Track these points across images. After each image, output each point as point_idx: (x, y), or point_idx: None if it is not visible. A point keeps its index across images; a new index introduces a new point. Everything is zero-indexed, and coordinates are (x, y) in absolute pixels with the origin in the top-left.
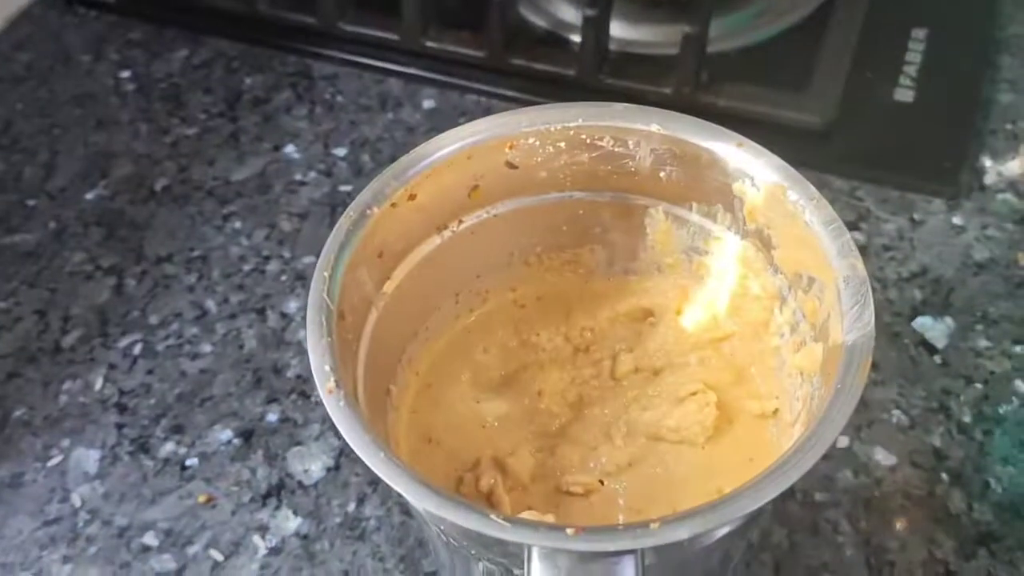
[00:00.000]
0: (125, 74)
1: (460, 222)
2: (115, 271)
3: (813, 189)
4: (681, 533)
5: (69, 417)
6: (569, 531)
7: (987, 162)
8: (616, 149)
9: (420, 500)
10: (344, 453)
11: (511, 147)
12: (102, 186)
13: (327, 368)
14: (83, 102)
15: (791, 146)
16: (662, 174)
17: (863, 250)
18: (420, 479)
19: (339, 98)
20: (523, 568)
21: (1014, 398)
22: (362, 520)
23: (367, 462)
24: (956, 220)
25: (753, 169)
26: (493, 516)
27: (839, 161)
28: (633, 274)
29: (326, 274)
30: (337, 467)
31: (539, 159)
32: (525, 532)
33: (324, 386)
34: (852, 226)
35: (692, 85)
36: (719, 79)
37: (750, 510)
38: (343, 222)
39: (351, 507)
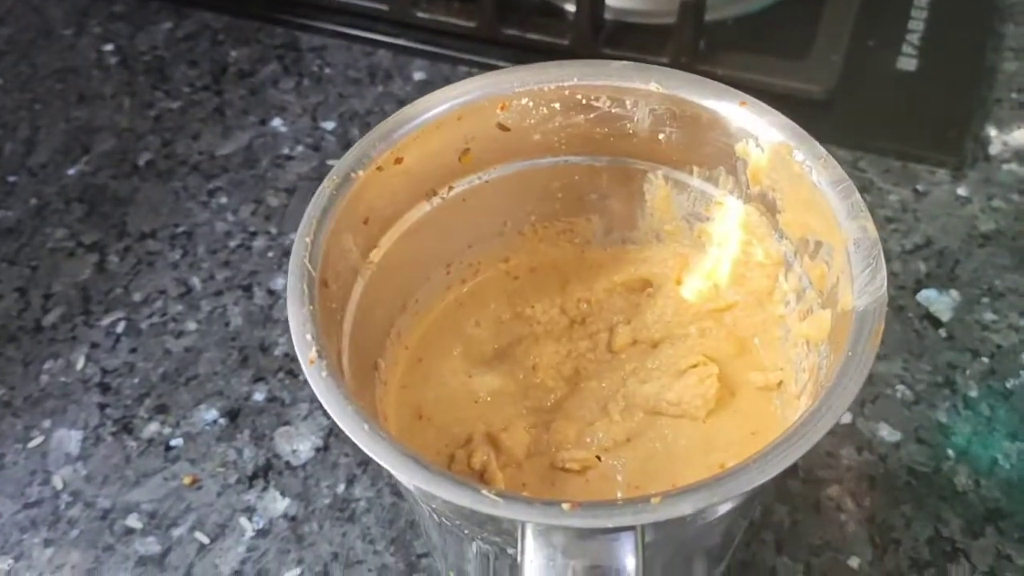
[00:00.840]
0: (108, 47)
1: (450, 188)
2: (97, 248)
3: (820, 148)
4: (683, 508)
5: (50, 397)
6: (565, 507)
7: (992, 132)
8: (613, 110)
9: (408, 475)
10: (333, 433)
11: (503, 108)
12: (84, 161)
13: (308, 337)
14: (65, 76)
15: (791, 116)
16: (661, 136)
17: None
18: (408, 453)
19: (327, 70)
20: (517, 547)
21: (1022, 372)
22: (351, 501)
23: (350, 435)
24: (961, 191)
25: (757, 128)
26: (485, 492)
27: (840, 131)
28: (631, 243)
29: (308, 240)
30: (326, 447)
31: (533, 121)
32: (519, 508)
33: (306, 356)
34: None
35: (690, 54)
36: (717, 48)
37: (756, 484)
38: (326, 185)
39: (340, 488)
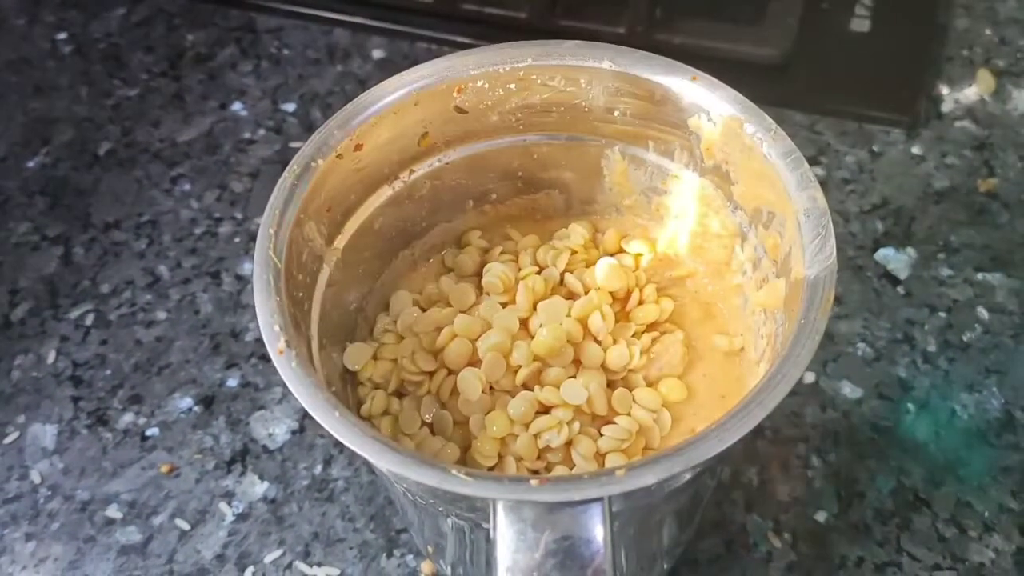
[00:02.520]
0: (62, 36)
1: (411, 172)
2: (62, 240)
3: (770, 120)
4: (647, 479)
5: (23, 393)
6: (533, 482)
7: (944, 90)
8: (568, 88)
9: (378, 459)
10: (308, 415)
11: (459, 91)
12: (44, 153)
13: (277, 328)
14: (19, 68)
15: (749, 81)
16: (616, 113)
17: (824, 184)
18: (378, 437)
19: (285, 51)
20: (490, 522)
21: (977, 325)
22: (330, 481)
23: (321, 422)
24: (915, 150)
25: (708, 103)
26: (454, 471)
27: (797, 95)
28: (592, 216)
29: (272, 231)
30: (302, 429)
31: (489, 103)
32: (488, 486)
33: (274, 347)
34: (812, 161)
35: (646, 23)
36: (673, 16)
37: (715, 452)
38: (287, 176)
39: (318, 469)
